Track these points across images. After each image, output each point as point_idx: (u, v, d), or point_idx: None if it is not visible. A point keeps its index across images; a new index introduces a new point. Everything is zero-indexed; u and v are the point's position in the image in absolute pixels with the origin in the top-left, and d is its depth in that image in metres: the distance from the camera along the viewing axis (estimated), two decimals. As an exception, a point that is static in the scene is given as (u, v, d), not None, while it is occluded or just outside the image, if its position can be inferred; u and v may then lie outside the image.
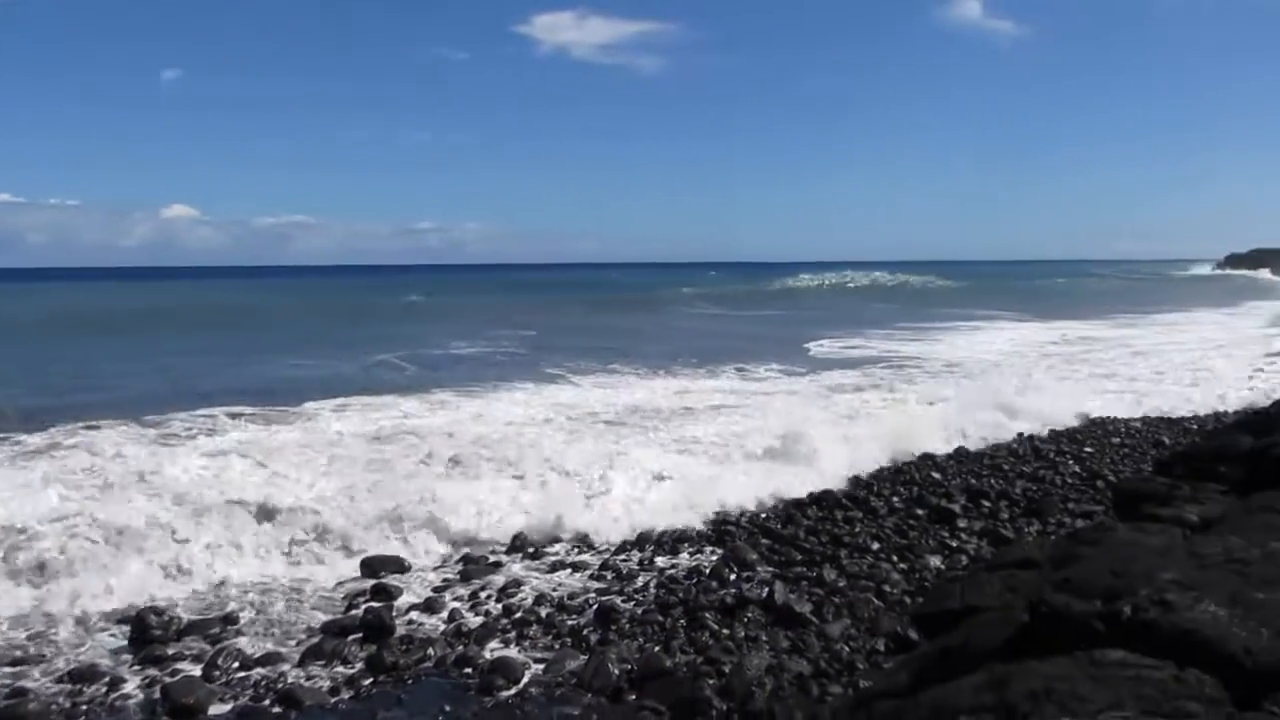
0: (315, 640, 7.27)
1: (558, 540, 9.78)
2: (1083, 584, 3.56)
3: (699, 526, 10.05)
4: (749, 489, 11.00)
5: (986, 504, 10.70)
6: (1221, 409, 15.99)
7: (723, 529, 9.92)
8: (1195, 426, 14.62)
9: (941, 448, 13.35)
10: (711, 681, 6.32)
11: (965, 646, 4.02)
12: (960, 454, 13.20)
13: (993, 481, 11.61)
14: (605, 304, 55.59)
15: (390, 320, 41.57)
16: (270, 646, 7.16)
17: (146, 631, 7.27)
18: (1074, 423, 15.20)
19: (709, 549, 9.42)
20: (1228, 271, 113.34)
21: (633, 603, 7.99)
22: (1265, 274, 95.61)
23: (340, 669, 6.84)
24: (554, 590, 8.40)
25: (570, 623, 7.62)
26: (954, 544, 9.33)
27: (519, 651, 7.16)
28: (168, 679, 6.58)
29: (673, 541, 9.65)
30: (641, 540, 9.71)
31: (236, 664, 6.82)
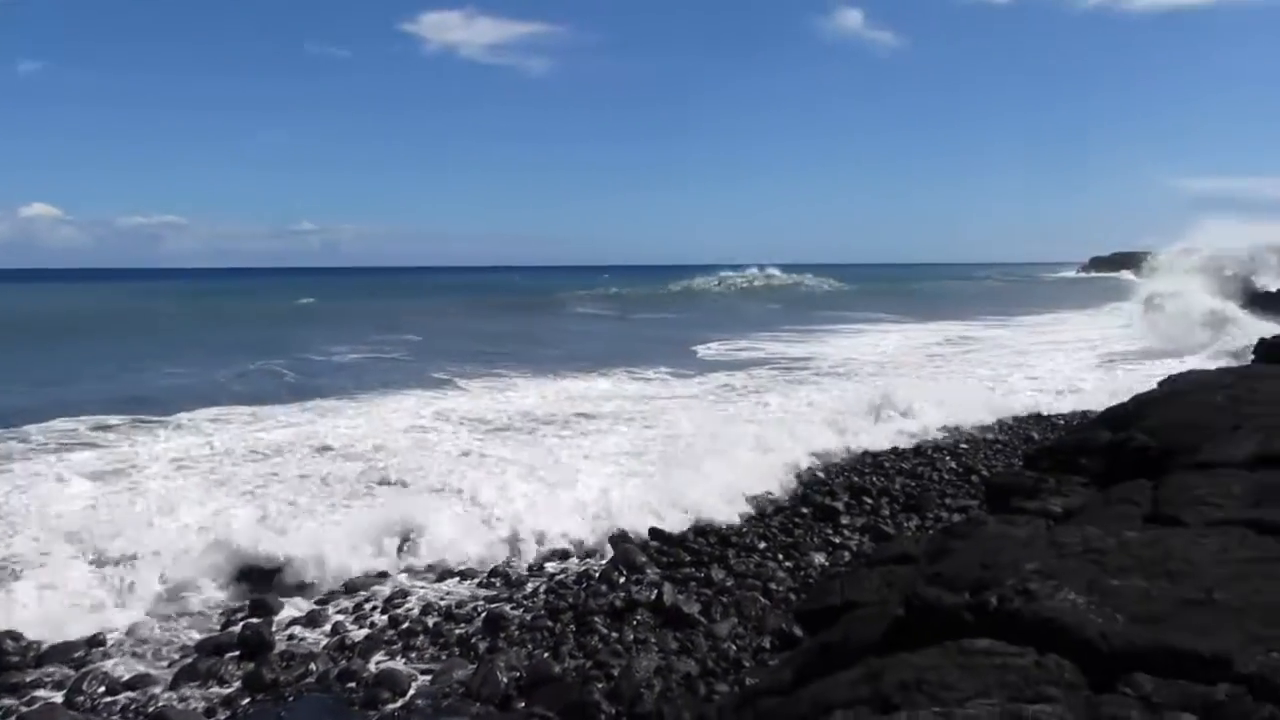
0: (189, 660, 6.97)
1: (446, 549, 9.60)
2: (953, 577, 3.68)
3: (587, 536, 9.97)
4: (641, 494, 10.97)
5: (869, 501, 10.98)
6: (1085, 406, 16.78)
7: (614, 534, 9.91)
8: (1062, 422, 15.32)
9: (829, 446, 13.63)
10: (601, 685, 6.32)
11: (844, 641, 4.11)
12: (845, 452, 13.52)
13: (875, 479, 11.92)
14: (496, 307, 55.11)
15: (271, 325, 40.23)
16: (141, 669, 6.84)
17: (2, 658, 6.86)
18: (954, 420, 15.73)
19: (598, 554, 9.41)
20: (1091, 275, 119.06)
21: (522, 609, 7.92)
22: (1127, 275, 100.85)
23: (216, 689, 6.57)
24: (441, 599, 8.26)
25: (458, 632, 7.51)
26: (837, 541, 9.55)
27: (405, 663, 7.01)
28: (25, 708, 6.22)
29: (563, 548, 9.59)
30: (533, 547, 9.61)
31: (103, 689, 6.48)
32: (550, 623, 7.58)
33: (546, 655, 6.99)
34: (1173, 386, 7.31)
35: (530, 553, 9.38)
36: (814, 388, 20.31)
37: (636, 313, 52.24)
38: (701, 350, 28.54)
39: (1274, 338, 10.59)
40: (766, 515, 10.44)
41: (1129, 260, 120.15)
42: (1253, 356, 9.97)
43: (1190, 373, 8.42)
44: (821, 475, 12.17)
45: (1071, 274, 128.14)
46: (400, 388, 19.66)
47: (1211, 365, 14.81)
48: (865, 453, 13.49)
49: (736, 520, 10.17)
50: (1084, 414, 15.95)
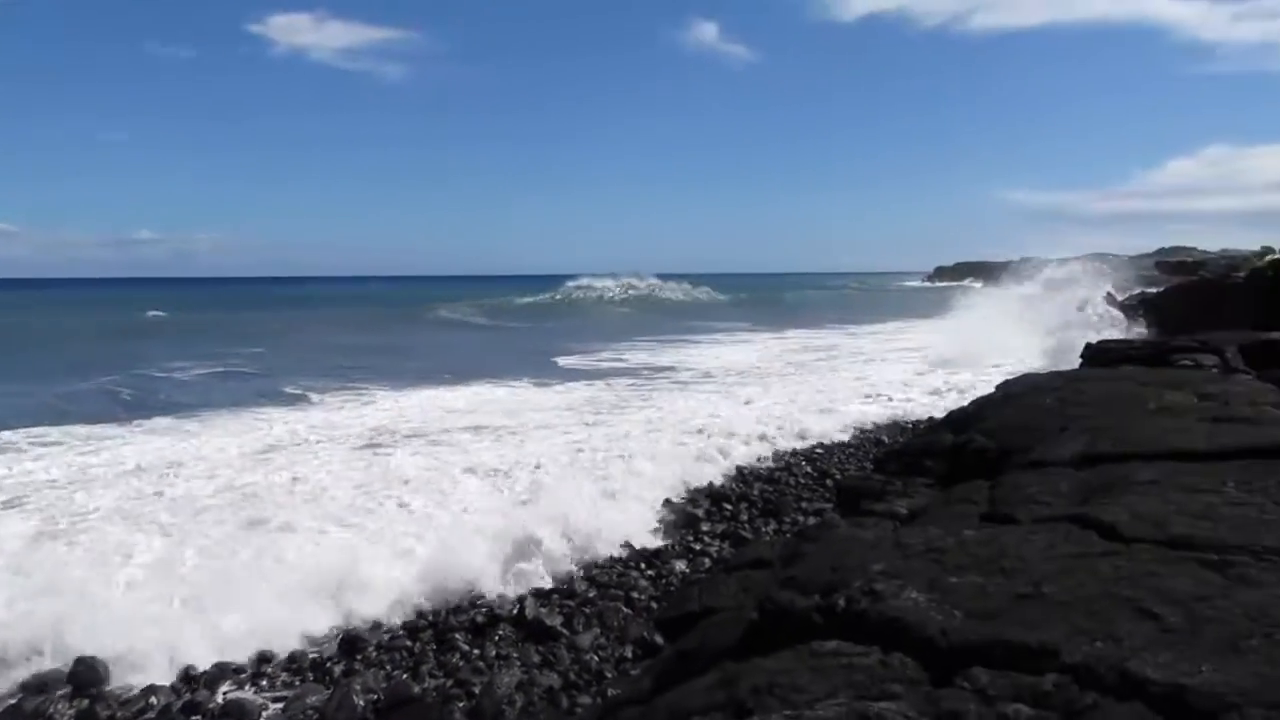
0: (14, 700, 6.51)
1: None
2: (805, 580, 3.77)
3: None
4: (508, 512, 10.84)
5: (728, 506, 11.17)
6: (931, 411, 17.53)
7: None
8: (910, 425, 15.96)
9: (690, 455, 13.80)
10: (462, 704, 6.23)
11: (701, 648, 4.15)
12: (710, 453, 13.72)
13: (734, 485, 12.14)
14: (354, 319, 53.59)
15: (111, 339, 38.03)
16: (-45, 712, 6.34)
17: None
18: (812, 425, 16.17)
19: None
20: (936, 284, 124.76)
21: (379, 630, 7.72)
22: (974, 284, 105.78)
23: (44, 729, 6.15)
24: (294, 623, 7.96)
25: (312, 655, 7.25)
26: (698, 547, 9.68)
27: (255, 692, 6.74)
28: None
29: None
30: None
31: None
32: (409, 642, 7.41)
33: (405, 676, 6.83)
34: (1008, 390, 7.69)
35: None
36: (675, 396, 20.56)
37: (499, 323, 51.85)
38: (563, 361, 28.50)
39: (1100, 342, 11.28)
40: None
41: (972, 270, 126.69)
42: (1080, 360, 10.59)
43: (1024, 376, 8.88)
44: (683, 478, 12.31)
45: (916, 283, 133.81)
46: (247, 405, 18.82)
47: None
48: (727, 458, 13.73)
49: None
50: (929, 417, 16.66)
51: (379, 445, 14.69)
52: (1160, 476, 4.25)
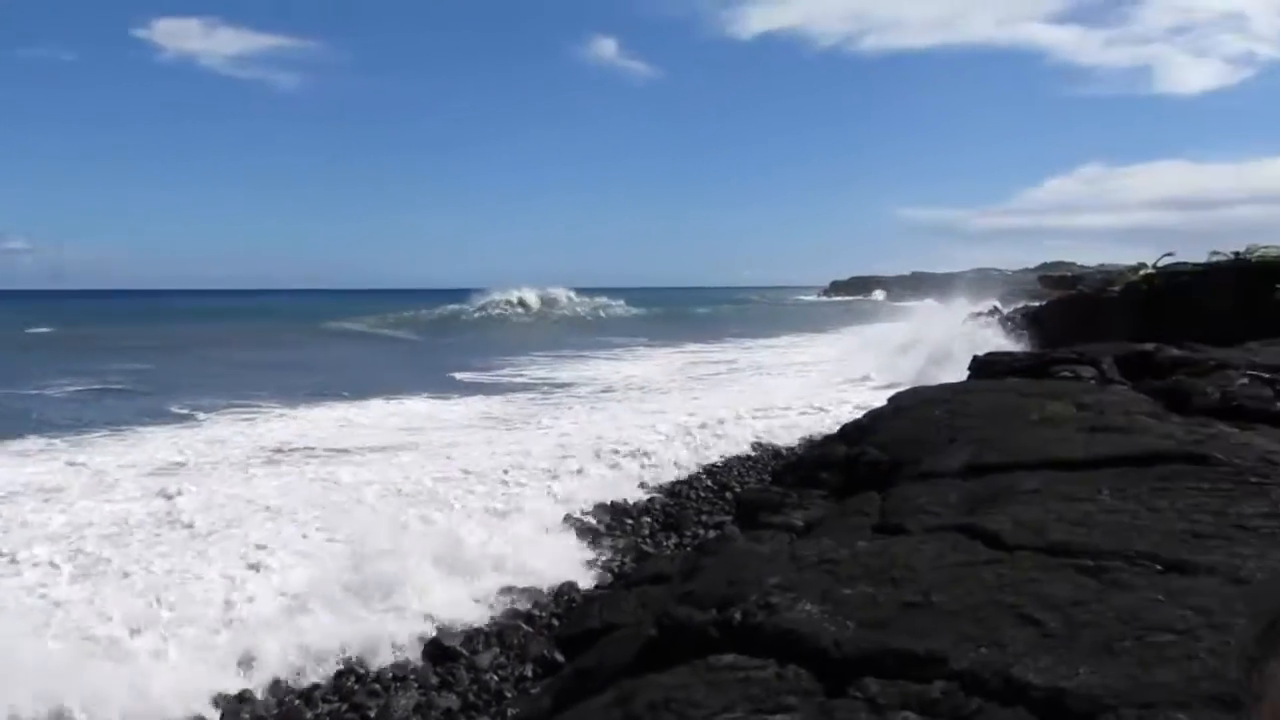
0: None
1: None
2: (703, 594, 3.78)
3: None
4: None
5: (629, 521, 11.18)
6: (827, 424, 17.87)
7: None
8: (806, 438, 16.24)
9: (591, 469, 13.79)
10: (356, 729, 6.06)
11: (600, 665, 4.14)
12: (608, 468, 13.72)
13: (634, 499, 12.16)
14: (246, 333, 51.89)
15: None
16: None
17: None
18: (711, 439, 16.32)
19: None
20: (833, 298, 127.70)
21: (271, 654, 7.46)
22: (878, 296, 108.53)
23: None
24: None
25: (198, 685, 6.97)
26: (600, 562, 9.65)
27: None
28: None
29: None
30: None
31: None
32: (302, 666, 7.19)
33: (298, 701, 6.63)
34: (898, 402, 7.89)
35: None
36: (574, 411, 20.55)
37: (401, 337, 50.98)
38: (461, 375, 28.18)
39: (986, 355, 11.66)
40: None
41: (867, 284, 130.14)
42: (968, 372, 10.94)
43: (915, 389, 9.14)
44: (583, 494, 12.28)
45: (813, 297, 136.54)
46: (127, 424, 17.98)
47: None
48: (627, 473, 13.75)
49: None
50: (825, 430, 16.98)
51: (270, 464, 14.27)
52: (1041, 485, 4.41)
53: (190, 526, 10.32)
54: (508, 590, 8.73)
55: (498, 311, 70.07)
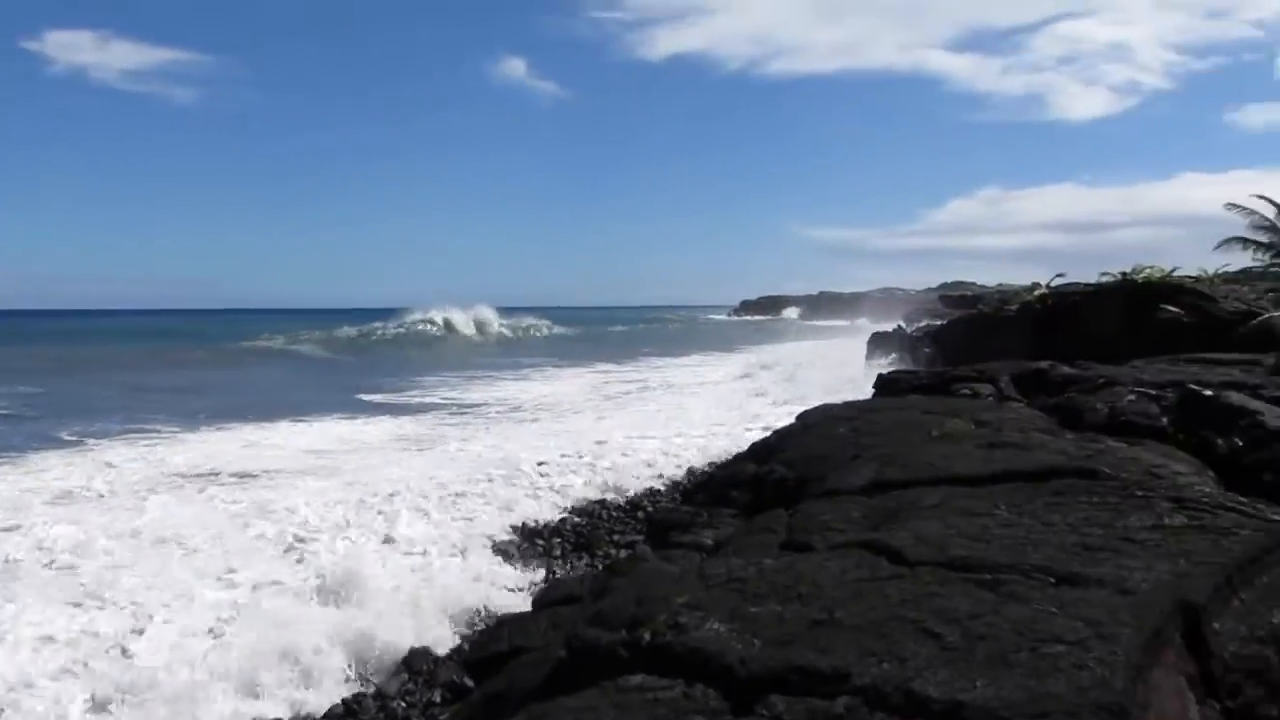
0: None
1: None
2: (612, 615, 3.78)
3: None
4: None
5: (540, 541, 11.09)
6: (738, 442, 18.05)
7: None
8: (718, 456, 16.37)
9: (500, 491, 13.65)
10: (257, 762, 5.86)
11: (509, 689, 4.10)
12: (515, 490, 13.60)
13: (546, 519, 12.07)
14: (145, 354, 49.89)
15: None
16: None
17: None
18: (623, 459, 16.30)
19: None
20: (744, 317, 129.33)
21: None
22: (791, 314, 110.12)
23: None
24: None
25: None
26: (510, 584, 9.54)
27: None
28: None
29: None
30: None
31: None
32: (200, 699, 6.93)
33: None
34: (806, 420, 8.05)
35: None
36: (483, 431, 20.38)
37: (312, 357, 49.71)
38: (370, 397, 27.65)
39: (890, 373, 11.97)
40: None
41: (774, 303, 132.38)
42: (873, 390, 11.20)
43: (822, 406, 9.30)
44: (493, 515, 12.14)
45: (724, 316, 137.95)
46: (11, 452, 17.03)
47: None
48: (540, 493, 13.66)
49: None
50: (736, 449, 17.15)
51: (163, 491, 13.73)
52: (942, 501, 4.54)
53: (71, 569, 9.71)
54: (415, 614, 8.58)
55: (419, 329, 68.42)
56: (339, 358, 49.39)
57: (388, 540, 10.87)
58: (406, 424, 21.46)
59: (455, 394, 29.59)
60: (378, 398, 27.55)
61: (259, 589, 8.92)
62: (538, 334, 73.60)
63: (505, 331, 72.62)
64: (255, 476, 15.03)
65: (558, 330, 77.64)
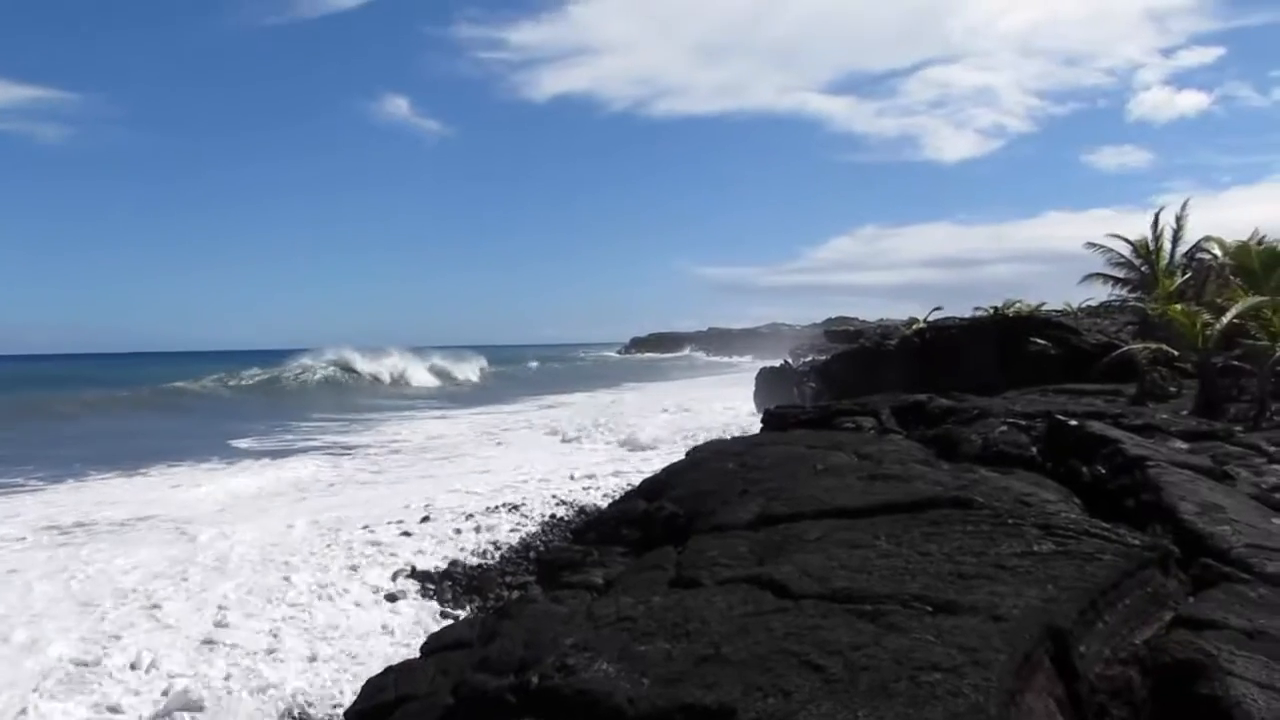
0: None
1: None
2: (500, 659, 3.72)
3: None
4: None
5: (430, 585, 10.86)
6: (630, 478, 18.06)
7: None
8: (609, 494, 16.35)
9: (385, 534, 13.33)
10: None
11: (394, 741, 3.98)
12: (405, 533, 13.31)
13: (436, 562, 11.83)
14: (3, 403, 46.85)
15: None
16: None
17: None
18: (514, 498, 16.11)
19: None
20: (634, 354, 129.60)
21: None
22: (692, 352, 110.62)
23: None
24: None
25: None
26: (397, 629, 9.30)
27: None
28: None
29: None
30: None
31: None
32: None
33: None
34: (695, 456, 8.12)
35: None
36: (369, 474, 19.94)
37: (177, 404, 47.38)
38: (240, 443, 26.70)
39: (776, 408, 12.18)
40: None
41: (666, 340, 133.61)
42: (761, 425, 11.38)
43: (712, 442, 9.40)
44: (382, 561, 11.84)
45: (614, 354, 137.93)
46: None
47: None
48: (425, 532, 13.39)
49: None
50: (628, 485, 17.16)
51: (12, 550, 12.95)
52: (825, 533, 4.63)
53: None
54: (300, 662, 8.28)
55: (323, 373, 64.54)
56: (222, 403, 47.37)
57: (268, 586, 10.49)
58: (289, 468, 20.80)
59: (338, 438, 28.86)
60: (248, 442, 26.63)
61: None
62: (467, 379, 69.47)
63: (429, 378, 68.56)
64: (119, 528, 14.33)
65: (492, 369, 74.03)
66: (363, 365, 64.91)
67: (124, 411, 40.56)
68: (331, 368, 63.75)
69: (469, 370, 70.25)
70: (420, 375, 65.11)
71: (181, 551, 12.20)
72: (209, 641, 8.70)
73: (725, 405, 31.22)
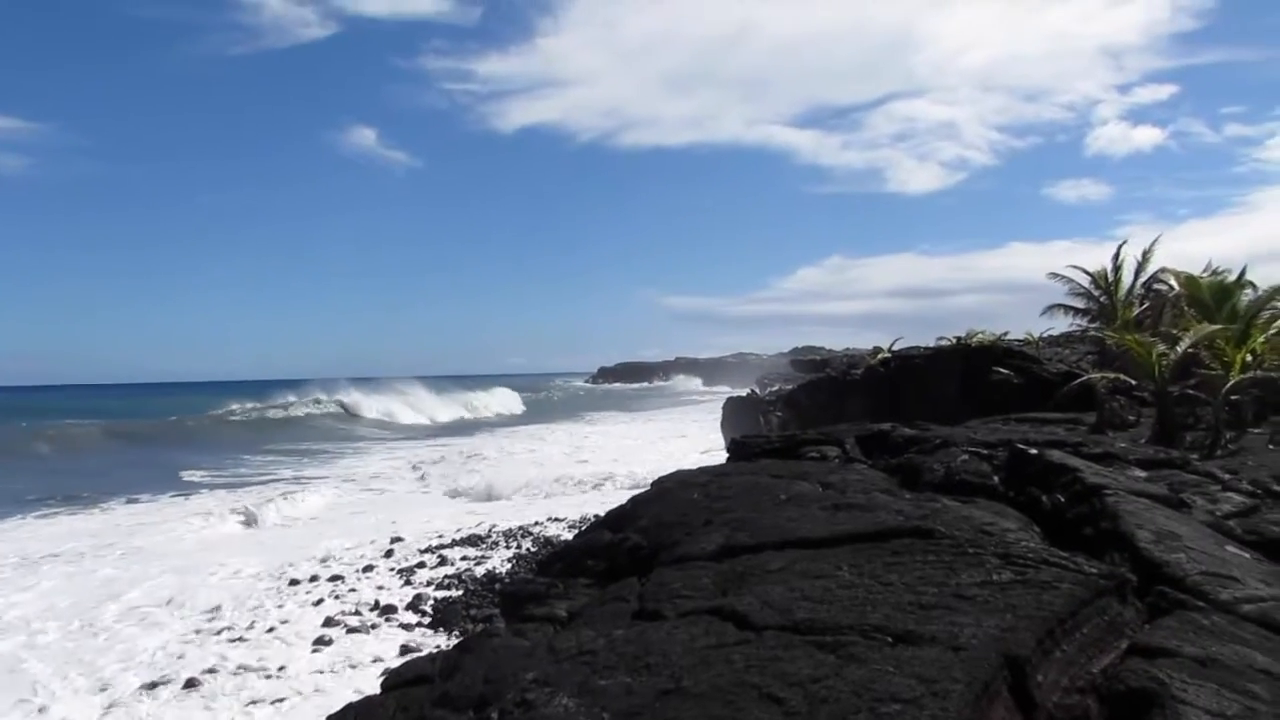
0: None
1: None
2: (460, 695, 3.69)
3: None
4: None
5: (394, 617, 10.74)
6: (595, 509, 18.00)
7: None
8: (575, 524, 16.27)
9: (346, 569, 13.19)
10: None
11: (351, 780, 3.92)
12: (368, 568, 13.17)
13: (401, 595, 11.71)
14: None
15: None
16: None
17: None
18: (481, 530, 16.00)
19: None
20: (601, 385, 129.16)
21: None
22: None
23: None
24: None
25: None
26: (360, 664, 9.18)
27: None
28: None
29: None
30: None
31: None
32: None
33: None
34: (661, 486, 8.10)
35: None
36: (329, 508, 19.74)
37: (118, 437, 45.76)
38: (189, 474, 26.38)
39: (742, 437, 12.19)
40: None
41: (634, 370, 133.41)
42: (727, 454, 11.38)
43: (677, 472, 9.37)
44: (345, 595, 11.70)
45: (582, 383, 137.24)
46: None
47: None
48: (392, 565, 13.26)
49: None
50: (593, 515, 17.08)
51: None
52: (787, 564, 4.63)
53: None
54: (255, 704, 8.15)
55: (303, 411, 61.30)
56: (187, 437, 46.27)
57: (228, 624, 10.32)
58: (246, 498, 20.55)
59: (294, 470, 28.61)
60: (205, 477, 26.28)
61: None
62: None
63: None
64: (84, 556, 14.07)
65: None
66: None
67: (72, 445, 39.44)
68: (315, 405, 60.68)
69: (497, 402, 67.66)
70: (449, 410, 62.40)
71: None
72: (150, 685, 8.57)
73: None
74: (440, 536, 15.24)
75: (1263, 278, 13.24)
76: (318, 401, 60.28)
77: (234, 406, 56.92)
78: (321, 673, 9.02)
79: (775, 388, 37.60)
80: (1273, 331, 12.01)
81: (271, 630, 10.25)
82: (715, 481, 7.62)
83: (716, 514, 6.21)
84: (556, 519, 16.60)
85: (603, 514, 9.00)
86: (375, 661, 9.26)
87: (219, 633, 10.16)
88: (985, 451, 7.81)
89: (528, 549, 14.36)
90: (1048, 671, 3.29)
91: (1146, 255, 17.11)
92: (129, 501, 20.90)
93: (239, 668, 9.01)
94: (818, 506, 6.02)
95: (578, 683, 3.36)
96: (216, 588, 12.10)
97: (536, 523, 16.32)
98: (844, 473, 7.60)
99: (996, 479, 7.00)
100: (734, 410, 30.26)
